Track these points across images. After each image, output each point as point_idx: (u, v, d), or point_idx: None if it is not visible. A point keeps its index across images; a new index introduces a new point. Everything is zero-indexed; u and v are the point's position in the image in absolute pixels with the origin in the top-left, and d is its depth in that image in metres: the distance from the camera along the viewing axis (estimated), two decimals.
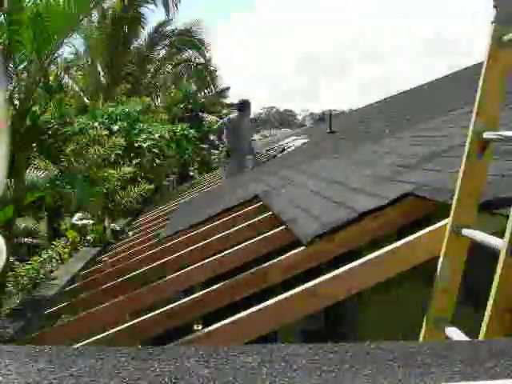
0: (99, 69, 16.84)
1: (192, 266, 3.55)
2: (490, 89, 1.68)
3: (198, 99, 22.47)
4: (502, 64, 1.67)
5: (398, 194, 2.83)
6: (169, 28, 20.52)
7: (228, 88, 25.45)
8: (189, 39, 20.69)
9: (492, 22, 1.64)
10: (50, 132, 7.91)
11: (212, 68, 22.48)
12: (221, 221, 4.64)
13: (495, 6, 1.61)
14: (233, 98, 25.45)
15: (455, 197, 1.78)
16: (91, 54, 17.14)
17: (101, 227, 7.91)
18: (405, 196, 2.76)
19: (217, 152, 21.79)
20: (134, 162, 12.32)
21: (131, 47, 18.74)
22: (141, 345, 3.06)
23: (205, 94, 23.37)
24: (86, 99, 14.05)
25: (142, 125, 13.59)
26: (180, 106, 21.29)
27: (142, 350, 1.00)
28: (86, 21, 14.36)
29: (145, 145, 12.70)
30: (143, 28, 19.26)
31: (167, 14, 18.52)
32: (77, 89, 14.57)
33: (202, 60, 22.03)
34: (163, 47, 20.99)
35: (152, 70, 20.74)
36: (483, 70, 1.70)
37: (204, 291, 2.86)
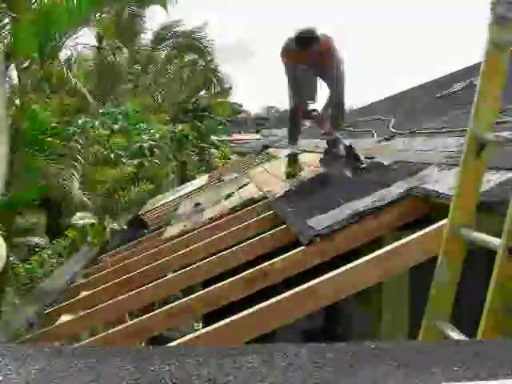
0: (101, 68, 16.83)
1: (192, 266, 3.55)
2: (487, 90, 1.68)
3: (199, 99, 22.48)
4: (500, 65, 1.67)
5: (397, 194, 2.83)
6: (172, 29, 20.53)
7: (230, 88, 25.43)
8: (192, 41, 20.69)
9: (489, 24, 1.65)
10: (51, 132, 7.91)
11: (214, 69, 22.45)
12: (221, 220, 4.64)
13: (492, 9, 1.61)
14: (234, 97, 25.49)
15: (454, 197, 1.79)
16: (93, 53, 17.14)
17: (101, 227, 7.91)
18: (405, 196, 2.76)
19: (216, 152, 21.82)
20: (134, 161, 12.33)
21: (134, 48, 18.74)
22: (141, 345, 3.06)
23: (207, 93, 23.34)
24: (89, 99, 14.02)
25: (142, 125, 13.59)
26: (181, 107, 21.29)
27: (142, 350, 1.00)
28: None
29: (146, 145, 12.70)
30: (146, 29, 19.29)
31: (166, 11, 18.42)
32: (78, 88, 14.55)
33: (204, 61, 22.00)
34: (166, 48, 20.99)
35: (154, 70, 20.74)
36: (481, 72, 1.70)
37: (204, 291, 2.86)
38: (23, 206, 8.88)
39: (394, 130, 5.22)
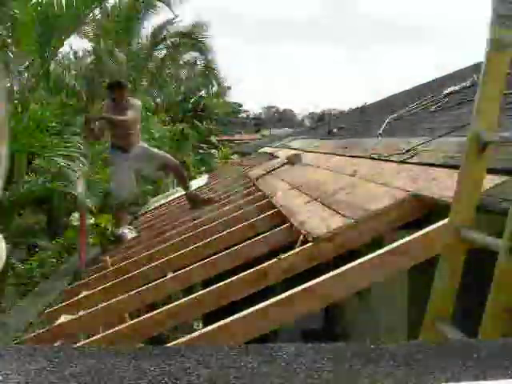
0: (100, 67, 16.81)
1: (192, 266, 3.55)
2: (488, 90, 1.68)
3: (199, 99, 22.49)
4: (501, 66, 1.67)
5: (398, 194, 2.83)
6: (171, 28, 20.51)
7: (229, 87, 25.45)
8: (191, 40, 20.67)
9: (490, 24, 1.65)
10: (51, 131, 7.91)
11: (214, 69, 22.45)
12: (221, 220, 4.64)
13: (493, 8, 1.61)
14: (233, 97, 25.54)
15: (455, 197, 1.79)
16: (93, 52, 17.12)
17: (101, 227, 7.91)
18: (405, 196, 2.76)
19: (216, 151, 21.85)
20: None
21: (133, 46, 18.71)
22: (141, 345, 3.06)
23: (206, 93, 23.34)
24: (86, 99, 14.01)
25: (142, 125, 13.58)
26: (181, 107, 21.29)
27: (142, 350, 1.00)
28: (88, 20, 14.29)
29: (145, 145, 12.67)
30: (145, 28, 19.26)
31: (172, 12, 18.36)
32: (78, 88, 14.56)
33: (203, 61, 22.01)
34: (165, 47, 20.98)
35: (153, 69, 20.73)
36: (482, 72, 1.70)
37: (204, 291, 2.86)
38: (23, 205, 8.89)
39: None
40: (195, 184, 10.76)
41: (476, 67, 5.75)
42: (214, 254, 3.64)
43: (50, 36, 7.56)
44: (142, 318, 2.83)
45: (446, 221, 1.88)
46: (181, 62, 22.03)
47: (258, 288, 2.78)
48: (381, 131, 5.49)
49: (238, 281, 2.78)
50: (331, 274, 2.28)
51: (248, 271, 2.83)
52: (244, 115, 42.27)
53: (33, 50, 7.60)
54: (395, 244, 2.30)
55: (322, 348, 0.98)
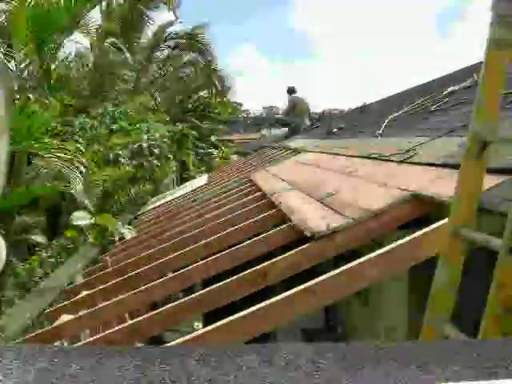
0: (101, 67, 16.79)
1: (192, 266, 3.55)
2: (489, 90, 1.68)
3: (199, 99, 22.47)
4: (501, 65, 1.67)
5: (398, 194, 2.83)
6: (173, 29, 20.53)
7: (230, 88, 25.41)
8: (192, 41, 20.68)
9: (490, 24, 1.64)
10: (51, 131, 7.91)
11: (215, 69, 22.42)
12: (221, 220, 4.64)
13: (493, 8, 1.61)
14: (233, 97, 25.51)
15: (455, 197, 1.78)
16: (92, 51, 17.10)
17: (101, 227, 7.91)
18: (405, 196, 2.76)
19: (216, 151, 21.82)
20: (134, 161, 12.32)
21: (134, 47, 18.70)
22: (141, 345, 3.06)
23: (208, 94, 23.31)
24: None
25: (142, 125, 13.58)
26: (181, 107, 21.28)
27: (142, 350, 1.00)
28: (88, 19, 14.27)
29: (145, 145, 12.68)
30: (147, 27, 19.27)
31: (174, 15, 18.44)
32: (77, 88, 14.55)
33: (204, 61, 21.98)
34: (167, 48, 21.00)
35: (154, 69, 20.74)
36: (482, 71, 1.70)
37: (204, 290, 2.86)
38: (23, 205, 8.88)
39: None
40: (195, 183, 10.76)
41: (476, 67, 5.75)
42: (214, 254, 3.64)
43: (47, 34, 7.56)
44: (141, 317, 2.82)
45: (446, 221, 1.88)
46: (182, 63, 22.02)
47: (258, 288, 2.78)
48: (381, 131, 5.49)
49: (238, 281, 2.78)
50: (331, 273, 2.28)
51: (248, 271, 2.83)
52: (244, 115, 42.22)
53: (31, 49, 7.60)
54: (395, 244, 2.30)
55: (322, 348, 0.98)
